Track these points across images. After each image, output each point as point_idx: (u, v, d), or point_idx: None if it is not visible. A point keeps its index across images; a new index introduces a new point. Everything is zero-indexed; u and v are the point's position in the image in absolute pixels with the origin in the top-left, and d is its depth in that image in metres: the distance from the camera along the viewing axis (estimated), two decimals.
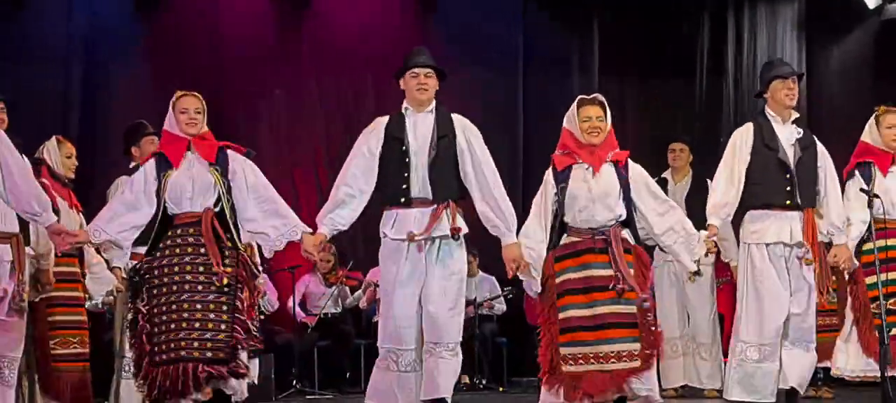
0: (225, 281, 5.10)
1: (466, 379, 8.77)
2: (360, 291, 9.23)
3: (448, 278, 5.35)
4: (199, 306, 5.08)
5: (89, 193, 6.93)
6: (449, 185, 5.37)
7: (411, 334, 5.33)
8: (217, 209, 5.21)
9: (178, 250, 5.17)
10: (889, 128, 6.10)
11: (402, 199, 5.34)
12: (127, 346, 6.34)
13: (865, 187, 5.93)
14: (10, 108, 5.51)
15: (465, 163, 5.39)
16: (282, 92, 10.18)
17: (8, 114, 5.48)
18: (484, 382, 8.99)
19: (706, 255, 5.59)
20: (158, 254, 5.20)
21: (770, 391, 5.79)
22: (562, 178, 5.37)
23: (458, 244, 5.37)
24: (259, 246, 5.62)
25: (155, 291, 5.15)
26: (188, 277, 5.11)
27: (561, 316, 5.27)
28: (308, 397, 8.62)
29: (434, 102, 5.47)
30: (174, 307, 5.09)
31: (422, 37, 10.05)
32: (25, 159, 5.47)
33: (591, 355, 5.17)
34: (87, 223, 5.93)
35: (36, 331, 5.90)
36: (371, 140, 5.43)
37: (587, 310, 5.22)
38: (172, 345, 5.05)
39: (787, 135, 5.81)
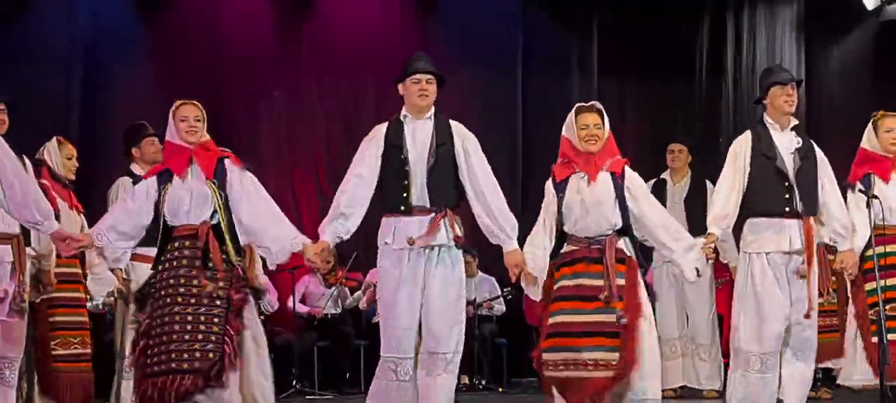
0: (209, 287, 5.08)
1: (466, 380, 8.80)
2: (359, 292, 9.24)
3: (448, 286, 5.34)
4: (190, 318, 5.06)
5: (90, 194, 6.92)
6: (447, 193, 5.37)
7: (411, 342, 5.33)
8: (214, 222, 5.21)
9: (175, 263, 5.16)
10: (887, 132, 6.09)
11: (402, 208, 5.33)
12: (127, 347, 6.38)
13: (864, 189, 5.94)
14: (10, 109, 5.52)
15: (463, 171, 5.39)
16: (282, 92, 10.19)
17: (9, 115, 5.49)
18: (483, 383, 9.01)
19: (707, 262, 5.63)
20: (160, 267, 5.21)
21: None
22: (560, 189, 5.40)
23: (457, 251, 5.39)
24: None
25: (153, 305, 5.15)
26: (182, 290, 5.09)
27: (550, 321, 5.29)
28: (308, 397, 8.64)
29: (433, 109, 5.47)
30: (167, 319, 5.07)
31: (422, 37, 10.08)
32: (26, 161, 5.50)
33: (571, 361, 5.19)
34: (89, 224, 5.96)
35: (36, 332, 5.92)
36: (371, 148, 5.42)
37: (575, 317, 5.23)
38: (163, 357, 5.04)
39: (786, 142, 5.80)
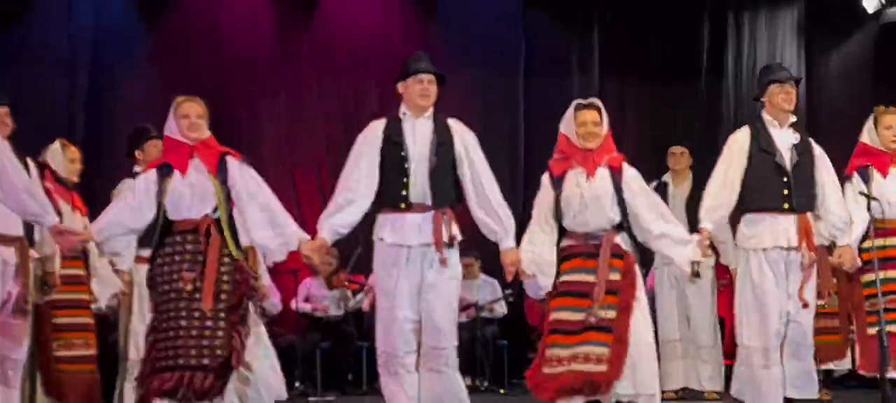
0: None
1: (468, 381, 8.79)
2: (361, 294, 9.25)
3: (446, 282, 5.36)
4: (197, 314, 5.08)
5: (94, 196, 6.92)
6: (447, 192, 5.39)
7: (412, 337, 5.35)
8: (216, 216, 5.22)
9: (177, 257, 5.18)
10: (887, 128, 6.12)
11: (402, 205, 5.34)
12: (131, 349, 6.39)
13: (864, 189, 5.96)
14: (14, 111, 5.52)
15: (462, 170, 5.40)
16: (282, 92, 10.20)
17: (12, 117, 5.50)
18: (485, 384, 9.01)
19: (703, 257, 5.64)
20: (159, 261, 5.22)
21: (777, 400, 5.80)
22: (557, 184, 5.42)
23: (454, 248, 5.40)
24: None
25: (158, 300, 5.17)
26: (187, 285, 5.12)
27: (552, 316, 5.33)
28: (310, 399, 8.62)
29: (432, 108, 5.48)
30: (173, 314, 5.09)
31: (422, 37, 10.09)
32: (31, 164, 5.50)
33: (567, 357, 5.23)
34: None
35: (40, 334, 5.93)
36: (369, 144, 5.42)
37: (574, 314, 5.27)
38: (171, 353, 5.06)
39: (785, 139, 5.81)
